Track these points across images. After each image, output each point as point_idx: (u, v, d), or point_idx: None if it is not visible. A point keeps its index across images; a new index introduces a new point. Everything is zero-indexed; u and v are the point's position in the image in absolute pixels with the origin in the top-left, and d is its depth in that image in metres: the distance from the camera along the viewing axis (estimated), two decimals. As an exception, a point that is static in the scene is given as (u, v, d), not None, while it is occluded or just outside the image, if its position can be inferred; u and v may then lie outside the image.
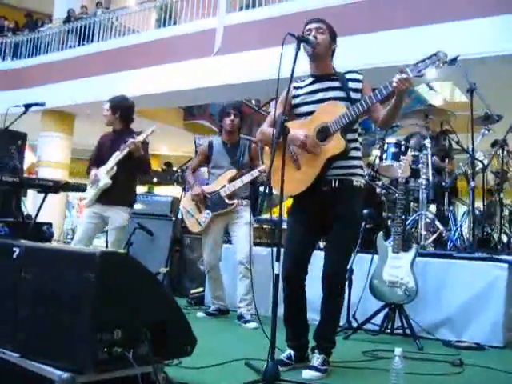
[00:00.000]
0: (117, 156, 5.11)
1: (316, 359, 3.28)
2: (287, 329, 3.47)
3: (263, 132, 3.54)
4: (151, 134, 5.12)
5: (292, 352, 3.42)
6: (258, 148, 5.24)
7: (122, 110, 5.33)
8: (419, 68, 3.05)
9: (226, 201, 5.18)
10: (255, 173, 5.18)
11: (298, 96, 3.50)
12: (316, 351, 3.35)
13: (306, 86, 3.50)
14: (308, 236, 3.45)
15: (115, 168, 5.11)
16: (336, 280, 3.39)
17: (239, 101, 15.26)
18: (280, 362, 3.24)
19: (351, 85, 3.37)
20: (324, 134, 3.27)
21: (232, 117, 5.25)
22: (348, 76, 3.42)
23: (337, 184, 3.32)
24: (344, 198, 3.32)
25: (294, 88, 3.52)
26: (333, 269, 3.36)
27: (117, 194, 5.11)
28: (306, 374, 3.20)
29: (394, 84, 3.05)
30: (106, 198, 5.14)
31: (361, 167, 3.46)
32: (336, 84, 3.40)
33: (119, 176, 5.12)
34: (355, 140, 3.43)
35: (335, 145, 3.23)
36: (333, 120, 3.23)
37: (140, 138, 5.02)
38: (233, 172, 5.23)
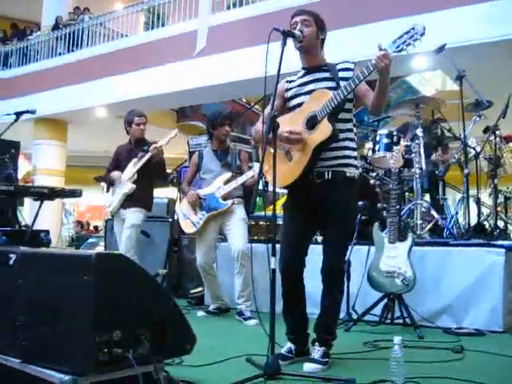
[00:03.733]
0: (136, 163, 5.41)
1: (316, 352, 3.30)
2: (287, 322, 3.48)
3: (256, 130, 3.56)
4: (174, 137, 5.48)
5: (292, 346, 3.43)
6: (247, 154, 5.40)
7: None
8: (397, 43, 3.02)
9: (221, 201, 5.21)
10: (250, 173, 5.24)
11: (290, 89, 3.51)
12: (316, 344, 3.36)
13: (298, 78, 3.51)
14: (303, 229, 3.45)
15: (136, 174, 5.38)
16: (334, 272, 3.39)
17: (232, 100, 15.38)
18: (280, 356, 3.26)
19: (342, 74, 3.36)
20: (312, 122, 3.27)
21: (227, 127, 5.41)
22: (339, 66, 3.42)
23: (330, 176, 3.31)
24: (338, 189, 3.32)
25: (287, 82, 3.55)
26: (330, 261, 3.37)
27: (136, 198, 5.41)
28: (307, 366, 3.20)
29: (374, 62, 3.03)
30: (127, 202, 5.44)
31: (355, 158, 3.44)
32: (326, 74, 3.40)
33: (139, 182, 5.39)
34: (349, 130, 3.41)
35: (322, 131, 3.22)
36: (320, 107, 3.23)
37: (162, 143, 5.33)
38: (228, 175, 5.30)
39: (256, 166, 5.14)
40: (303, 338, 3.48)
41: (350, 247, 4.44)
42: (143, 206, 5.48)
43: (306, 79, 3.46)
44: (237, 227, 5.18)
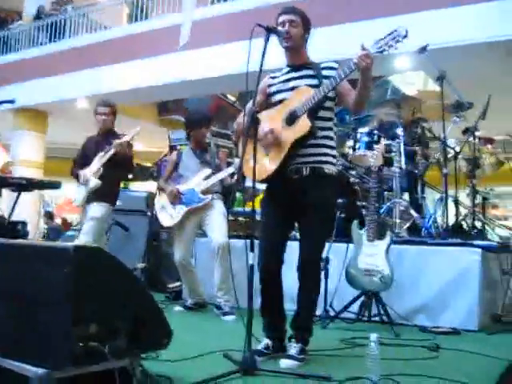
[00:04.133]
0: (101, 157, 5.25)
1: (293, 348, 3.30)
2: (264, 319, 3.48)
3: (238, 123, 3.59)
4: (137, 134, 5.32)
5: (269, 342, 3.42)
6: (227, 152, 5.43)
7: (116, 113, 5.57)
8: (380, 44, 3.06)
9: (201, 196, 5.21)
10: (230, 169, 5.30)
11: (273, 85, 3.54)
12: (293, 340, 3.36)
13: (282, 75, 3.54)
14: (281, 225, 3.47)
15: (101, 169, 5.23)
16: (310, 268, 3.40)
17: (214, 94, 15.33)
18: (258, 352, 3.24)
19: (325, 73, 3.38)
20: (292, 118, 3.29)
21: (204, 129, 5.52)
22: (323, 65, 3.45)
23: (308, 172, 3.34)
24: (315, 185, 3.33)
25: (271, 78, 3.58)
26: (307, 257, 3.38)
27: (100, 192, 5.24)
28: (284, 363, 3.21)
29: (355, 61, 3.07)
30: (91, 197, 5.29)
31: (333, 156, 3.46)
32: (310, 72, 3.43)
33: (104, 176, 5.23)
34: (329, 128, 3.44)
35: (300, 127, 3.25)
36: (300, 104, 3.26)
37: (126, 138, 5.20)
38: (208, 171, 5.34)
39: (236, 162, 5.15)
40: (280, 335, 3.48)
41: (328, 244, 4.45)
42: (106, 200, 5.35)
43: (289, 76, 3.50)
44: (216, 221, 5.19)
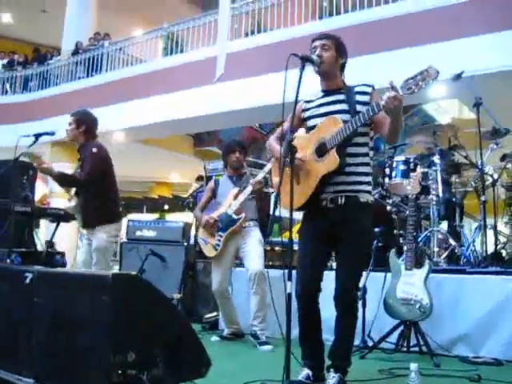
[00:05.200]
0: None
1: (332, 378, 3.23)
2: (303, 347, 3.44)
3: (271, 147, 3.61)
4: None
5: (310, 372, 3.36)
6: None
7: (88, 123, 5.08)
8: (409, 85, 3.00)
9: (234, 217, 5.23)
10: (258, 177, 5.22)
11: (308, 109, 3.54)
12: (331, 370, 3.30)
13: (317, 99, 3.53)
14: (318, 254, 3.45)
15: (73, 189, 4.96)
16: (347, 298, 3.35)
17: (249, 126, 15.46)
18: (298, 383, 3.23)
19: (359, 98, 3.36)
20: (322, 150, 3.30)
21: (237, 154, 5.47)
22: (357, 89, 3.42)
23: (343, 201, 3.33)
24: (352, 215, 3.31)
25: (306, 102, 3.57)
26: (343, 286, 3.33)
27: (89, 216, 4.94)
28: None
29: (383, 103, 3.04)
30: (83, 221, 5.02)
31: (368, 183, 3.43)
32: (341, 97, 3.41)
33: (83, 197, 4.94)
34: (364, 154, 3.41)
35: (329, 162, 3.26)
36: (329, 136, 3.25)
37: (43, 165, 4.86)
38: (235, 189, 5.34)
39: (268, 166, 5.12)
40: (319, 364, 3.42)
41: (366, 273, 4.40)
42: (101, 222, 4.92)
43: (321, 101, 3.49)
44: (253, 249, 5.20)
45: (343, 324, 3.36)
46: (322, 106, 3.47)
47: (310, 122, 3.50)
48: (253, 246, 5.22)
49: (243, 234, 5.29)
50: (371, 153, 3.48)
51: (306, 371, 3.36)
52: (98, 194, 4.88)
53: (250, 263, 5.16)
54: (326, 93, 3.50)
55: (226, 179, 5.56)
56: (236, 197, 5.30)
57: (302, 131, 3.55)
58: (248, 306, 5.19)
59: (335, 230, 3.35)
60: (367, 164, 3.42)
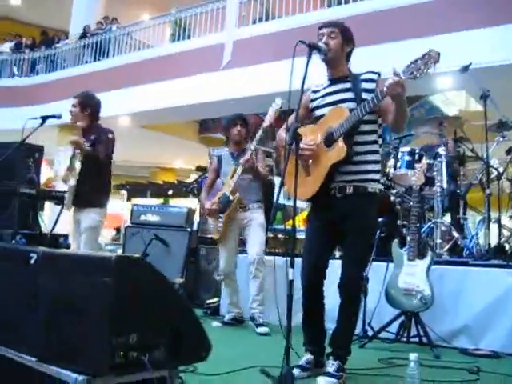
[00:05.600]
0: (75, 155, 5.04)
1: (331, 365, 3.25)
2: (306, 333, 3.51)
3: (280, 137, 3.62)
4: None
5: (311, 356, 3.43)
6: (264, 154, 5.32)
7: (92, 106, 5.17)
8: (411, 69, 3.00)
9: (231, 197, 5.26)
10: (246, 156, 5.20)
11: (315, 99, 3.56)
12: (331, 358, 3.32)
13: (323, 89, 3.54)
14: (325, 242, 3.49)
15: (77, 167, 5.00)
16: (351, 286, 3.37)
17: (254, 113, 15.41)
18: (300, 367, 3.32)
19: (365, 85, 3.37)
20: (329, 140, 3.32)
21: (239, 127, 5.43)
22: (363, 76, 3.42)
23: (351, 190, 3.34)
24: (359, 205, 3.34)
25: (313, 92, 3.59)
26: (349, 275, 3.35)
27: (85, 196, 5.01)
28: (321, 380, 3.17)
29: (385, 89, 3.05)
30: (77, 200, 5.06)
31: (377, 171, 3.45)
32: (347, 85, 3.42)
33: (85, 177, 5.00)
34: (373, 142, 3.42)
35: (337, 151, 3.27)
36: (336, 125, 3.27)
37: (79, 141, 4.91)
38: (232, 168, 5.35)
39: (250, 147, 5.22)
40: (320, 350, 3.48)
41: (368, 263, 4.41)
42: (94, 204, 5.06)
43: (327, 90, 3.51)
44: (253, 234, 5.24)
45: (345, 312, 3.38)
46: (328, 95, 3.48)
47: (318, 112, 3.52)
48: (254, 230, 5.26)
49: (246, 216, 5.32)
50: (380, 140, 3.49)
51: (308, 356, 3.43)
52: (100, 177, 5.07)
53: (250, 248, 5.24)
54: (332, 81, 3.51)
55: (228, 156, 5.53)
56: (232, 176, 5.30)
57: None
58: (248, 292, 5.28)
59: (342, 221, 3.38)
60: (376, 152, 3.44)
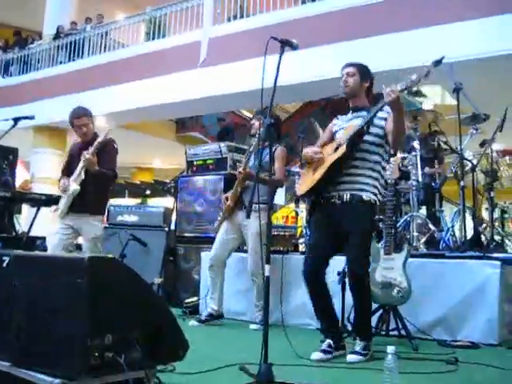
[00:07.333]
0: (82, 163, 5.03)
1: (358, 345, 3.76)
2: (321, 321, 3.98)
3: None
4: (105, 137, 5.03)
5: (330, 341, 3.81)
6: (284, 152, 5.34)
7: (92, 119, 5.33)
8: (404, 86, 3.51)
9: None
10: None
11: (336, 125, 4.12)
12: (358, 338, 3.82)
13: (345, 117, 4.09)
14: (326, 241, 3.93)
15: (82, 174, 5.00)
16: (358, 267, 3.80)
17: (231, 111, 15.43)
18: (323, 351, 3.74)
19: (377, 122, 3.85)
20: (338, 147, 3.84)
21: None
22: (379, 114, 3.82)
23: (348, 197, 3.81)
24: (355, 212, 3.80)
25: (336, 119, 4.17)
26: (354, 256, 3.81)
27: (87, 203, 5.02)
28: (350, 357, 3.67)
29: (385, 98, 3.52)
30: (78, 206, 5.04)
31: (374, 186, 3.88)
32: (361, 114, 3.90)
33: (88, 184, 5.01)
34: (374, 162, 3.87)
35: (339, 151, 3.77)
36: (345, 137, 3.81)
37: (90, 151, 4.92)
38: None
39: None
40: (337, 335, 3.91)
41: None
42: (96, 211, 5.15)
43: (347, 117, 4.06)
44: (250, 242, 5.26)
45: (358, 296, 3.86)
46: (346, 121, 4.03)
47: (337, 135, 4.02)
48: (250, 239, 5.25)
49: (244, 219, 5.11)
50: (384, 164, 4.00)
51: (328, 341, 3.84)
52: (104, 186, 5.21)
53: (249, 257, 5.31)
54: (353, 111, 4.04)
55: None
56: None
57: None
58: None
59: (341, 223, 3.84)
60: (377, 171, 3.92)
